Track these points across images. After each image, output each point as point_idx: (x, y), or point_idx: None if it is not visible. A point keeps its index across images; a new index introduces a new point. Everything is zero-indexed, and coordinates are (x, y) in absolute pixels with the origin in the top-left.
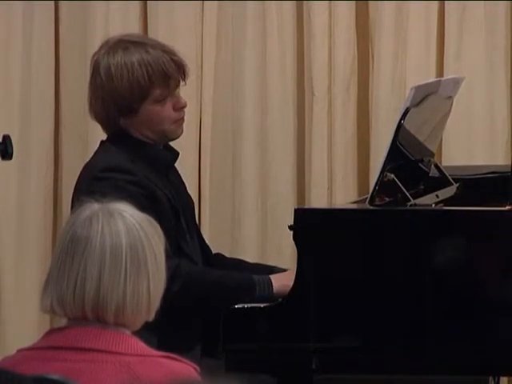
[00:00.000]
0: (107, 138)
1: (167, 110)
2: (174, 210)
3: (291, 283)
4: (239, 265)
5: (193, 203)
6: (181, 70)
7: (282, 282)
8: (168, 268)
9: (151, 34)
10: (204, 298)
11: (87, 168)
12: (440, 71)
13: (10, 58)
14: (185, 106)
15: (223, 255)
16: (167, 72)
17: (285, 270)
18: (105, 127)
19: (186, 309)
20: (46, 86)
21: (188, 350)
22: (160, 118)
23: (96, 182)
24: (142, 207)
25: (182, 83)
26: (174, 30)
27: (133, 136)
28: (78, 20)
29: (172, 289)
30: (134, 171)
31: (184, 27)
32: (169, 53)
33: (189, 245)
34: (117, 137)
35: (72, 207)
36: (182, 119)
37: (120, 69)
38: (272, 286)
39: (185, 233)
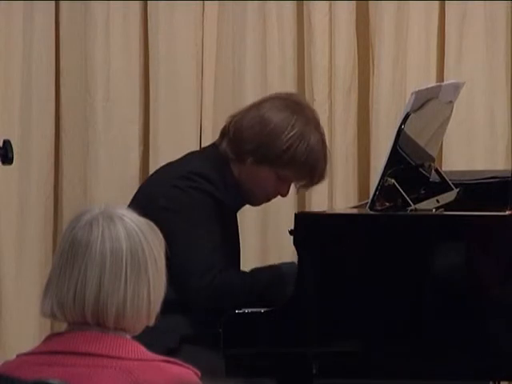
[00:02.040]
0: (212, 147)
1: (273, 186)
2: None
3: None
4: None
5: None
6: (320, 181)
7: None
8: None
9: (151, 34)
10: (238, 300)
11: (183, 165)
12: (440, 75)
13: (10, 59)
14: (284, 196)
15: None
16: (312, 172)
17: None
18: (230, 145)
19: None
20: (47, 90)
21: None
22: (262, 186)
23: (180, 180)
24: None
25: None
26: (174, 31)
27: (232, 170)
28: (79, 20)
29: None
30: (220, 189)
31: (184, 28)
32: (326, 159)
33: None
34: (222, 159)
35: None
36: (271, 199)
37: (291, 134)
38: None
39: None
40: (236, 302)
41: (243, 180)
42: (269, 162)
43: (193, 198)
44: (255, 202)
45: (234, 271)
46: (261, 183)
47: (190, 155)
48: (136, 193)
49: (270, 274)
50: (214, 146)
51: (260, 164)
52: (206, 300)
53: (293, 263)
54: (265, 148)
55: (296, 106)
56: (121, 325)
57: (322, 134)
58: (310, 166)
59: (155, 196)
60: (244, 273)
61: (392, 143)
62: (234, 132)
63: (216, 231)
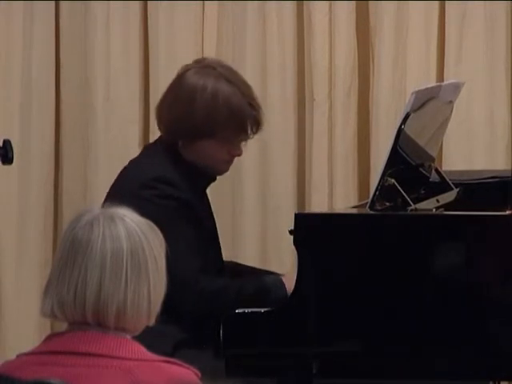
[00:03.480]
0: (157, 143)
1: (224, 152)
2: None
3: None
4: (252, 272)
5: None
6: (257, 126)
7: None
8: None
9: (152, 35)
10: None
11: (141, 170)
12: (440, 76)
13: (10, 59)
14: (240, 155)
15: (236, 263)
16: (244, 124)
17: None
18: (163, 133)
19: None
20: (47, 90)
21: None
22: (214, 157)
23: (143, 190)
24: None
25: (250, 136)
26: (175, 31)
27: (183, 156)
28: (79, 20)
29: (193, 310)
30: (182, 188)
31: (184, 28)
32: (253, 107)
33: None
34: (169, 148)
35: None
36: (232, 161)
37: (204, 96)
38: (284, 286)
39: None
40: (223, 310)
41: (195, 160)
42: (200, 134)
43: (160, 206)
44: (218, 173)
45: (221, 280)
46: (211, 156)
47: (144, 158)
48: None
49: (255, 286)
50: (159, 140)
51: (196, 140)
52: (196, 308)
53: (278, 278)
54: (188, 124)
55: (204, 69)
56: (121, 325)
57: (238, 85)
58: (237, 119)
59: None
60: (231, 282)
61: (392, 143)
62: (158, 122)
63: (192, 234)
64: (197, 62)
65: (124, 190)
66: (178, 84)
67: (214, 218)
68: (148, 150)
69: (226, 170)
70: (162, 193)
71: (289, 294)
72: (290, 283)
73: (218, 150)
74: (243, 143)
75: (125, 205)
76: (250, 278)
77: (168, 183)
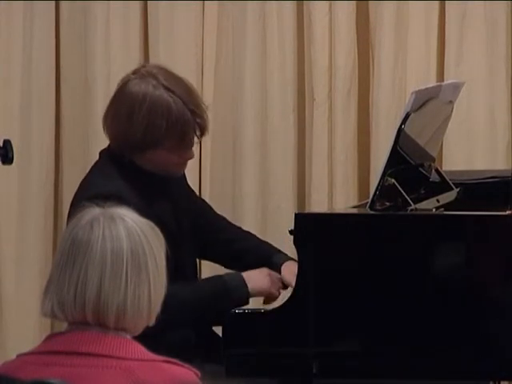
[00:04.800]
0: (106, 151)
1: (175, 157)
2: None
3: (265, 283)
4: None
5: (198, 204)
6: (200, 132)
7: (255, 282)
8: None
9: (151, 35)
10: (184, 318)
11: (82, 187)
12: (440, 75)
13: (10, 59)
14: (192, 158)
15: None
16: (185, 132)
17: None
18: (111, 143)
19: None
20: (47, 90)
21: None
22: (165, 164)
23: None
24: None
25: (197, 141)
26: (174, 31)
27: (134, 162)
28: (79, 20)
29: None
30: (128, 199)
31: (184, 28)
32: (195, 113)
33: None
34: (118, 156)
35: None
36: (185, 164)
37: (143, 109)
38: (246, 284)
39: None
40: (185, 315)
41: (148, 167)
42: (144, 146)
43: None
44: (173, 176)
45: (172, 286)
46: (162, 163)
47: (90, 172)
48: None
49: (212, 285)
50: (107, 148)
51: (143, 151)
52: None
53: (237, 273)
54: (130, 138)
55: (144, 79)
56: (121, 325)
57: (178, 93)
58: (179, 128)
59: None
60: (183, 286)
61: (392, 143)
62: (105, 131)
63: None
64: (135, 71)
65: (72, 208)
66: (118, 97)
67: (190, 214)
68: (97, 161)
69: (181, 171)
70: None
71: (252, 291)
72: (253, 278)
73: (168, 157)
74: (193, 147)
75: None
76: (208, 278)
77: (108, 198)
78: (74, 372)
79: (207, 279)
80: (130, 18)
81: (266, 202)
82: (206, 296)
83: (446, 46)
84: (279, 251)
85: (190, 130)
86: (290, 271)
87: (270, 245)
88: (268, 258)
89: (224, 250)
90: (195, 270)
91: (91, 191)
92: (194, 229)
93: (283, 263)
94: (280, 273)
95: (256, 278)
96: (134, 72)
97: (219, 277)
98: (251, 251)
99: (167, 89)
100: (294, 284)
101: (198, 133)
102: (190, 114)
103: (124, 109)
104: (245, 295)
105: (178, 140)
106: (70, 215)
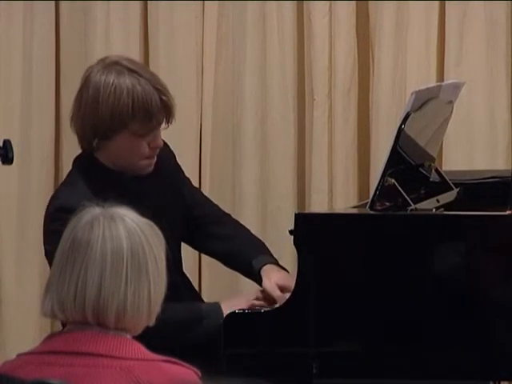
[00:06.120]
0: (77, 160)
1: (142, 145)
2: None
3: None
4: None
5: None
6: (167, 111)
7: (232, 307)
8: None
9: (151, 34)
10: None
11: (53, 198)
12: (440, 75)
13: (10, 59)
14: (160, 146)
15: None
16: (152, 110)
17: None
18: (80, 143)
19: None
20: (47, 90)
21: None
22: (132, 152)
23: (50, 224)
24: None
25: (164, 125)
26: (174, 31)
27: (102, 163)
28: (79, 20)
29: None
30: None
31: (184, 28)
32: (160, 91)
33: None
34: (86, 160)
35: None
36: (154, 157)
37: (108, 91)
38: (222, 313)
39: None
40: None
41: (115, 162)
42: (110, 130)
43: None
44: (140, 171)
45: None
46: (129, 151)
47: (60, 185)
48: None
49: (187, 311)
50: (78, 158)
51: (110, 138)
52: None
53: (216, 304)
54: (97, 122)
55: (107, 67)
56: (121, 324)
57: (142, 74)
58: (144, 106)
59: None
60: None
61: (392, 143)
62: (75, 132)
63: None
64: (99, 61)
65: (43, 223)
66: (83, 88)
67: (174, 210)
68: (70, 171)
69: (148, 166)
70: (66, 223)
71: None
72: (230, 305)
73: (135, 143)
74: (160, 132)
75: (44, 238)
76: (186, 303)
77: (70, 211)
78: (74, 372)
79: (185, 304)
80: (129, 18)
81: (266, 202)
82: (179, 318)
83: (445, 46)
84: (261, 251)
85: (156, 109)
86: (268, 279)
87: (254, 243)
88: (249, 264)
89: (210, 249)
90: (179, 269)
91: (54, 205)
92: (186, 221)
93: (261, 268)
94: (261, 278)
95: (235, 306)
96: (97, 63)
97: (197, 303)
98: (234, 255)
99: (131, 71)
100: (276, 293)
101: (164, 113)
102: (156, 92)
103: (91, 97)
104: (218, 323)
105: (145, 120)
106: (45, 232)
